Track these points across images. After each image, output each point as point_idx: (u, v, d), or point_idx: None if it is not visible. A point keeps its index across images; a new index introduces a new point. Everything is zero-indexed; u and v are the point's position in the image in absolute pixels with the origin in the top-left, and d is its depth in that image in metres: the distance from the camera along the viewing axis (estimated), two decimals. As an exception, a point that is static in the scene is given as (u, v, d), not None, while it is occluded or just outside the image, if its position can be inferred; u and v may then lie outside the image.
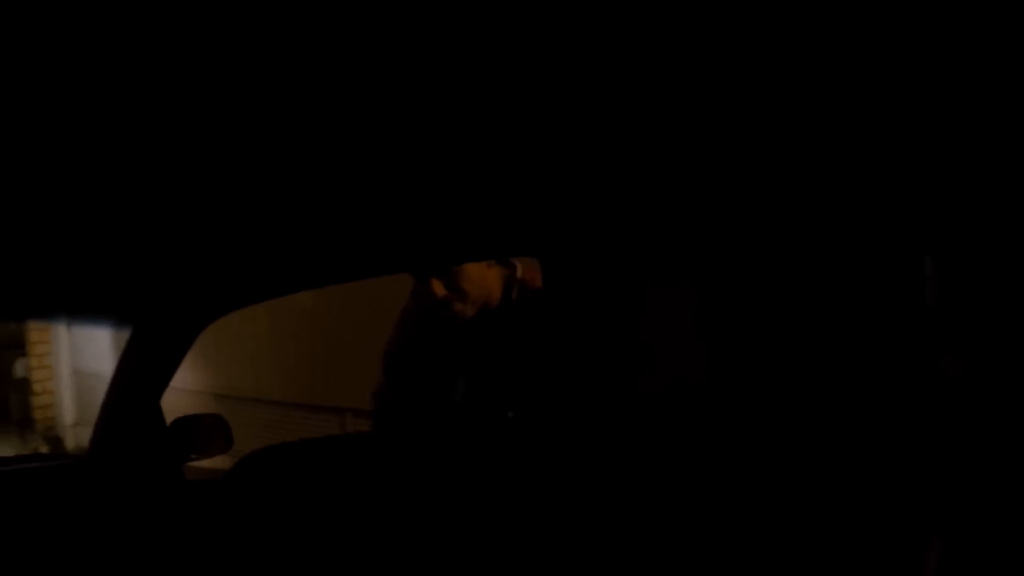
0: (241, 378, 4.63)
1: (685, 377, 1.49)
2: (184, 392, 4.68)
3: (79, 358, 5.96)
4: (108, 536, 1.51)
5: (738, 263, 1.43)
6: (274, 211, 1.24)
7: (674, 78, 0.80)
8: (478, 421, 1.97)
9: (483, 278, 1.89)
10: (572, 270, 1.79)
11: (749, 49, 0.74)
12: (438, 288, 1.86)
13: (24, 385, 5.85)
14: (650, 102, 0.87)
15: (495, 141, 0.97)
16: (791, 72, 0.80)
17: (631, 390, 1.53)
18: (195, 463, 1.78)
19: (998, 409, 1.10)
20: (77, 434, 5.77)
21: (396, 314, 2.12)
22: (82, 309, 1.71)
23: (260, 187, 1.11)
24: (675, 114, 0.92)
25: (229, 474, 1.63)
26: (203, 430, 1.75)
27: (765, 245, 1.34)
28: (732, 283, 1.44)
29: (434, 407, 2.06)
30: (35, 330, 5.86)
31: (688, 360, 1.54)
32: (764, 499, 1.24)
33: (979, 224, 1.17)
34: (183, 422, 1.71)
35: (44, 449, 5.51)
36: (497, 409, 1.94)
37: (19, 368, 5.80)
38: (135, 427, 1.61)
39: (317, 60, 0.71)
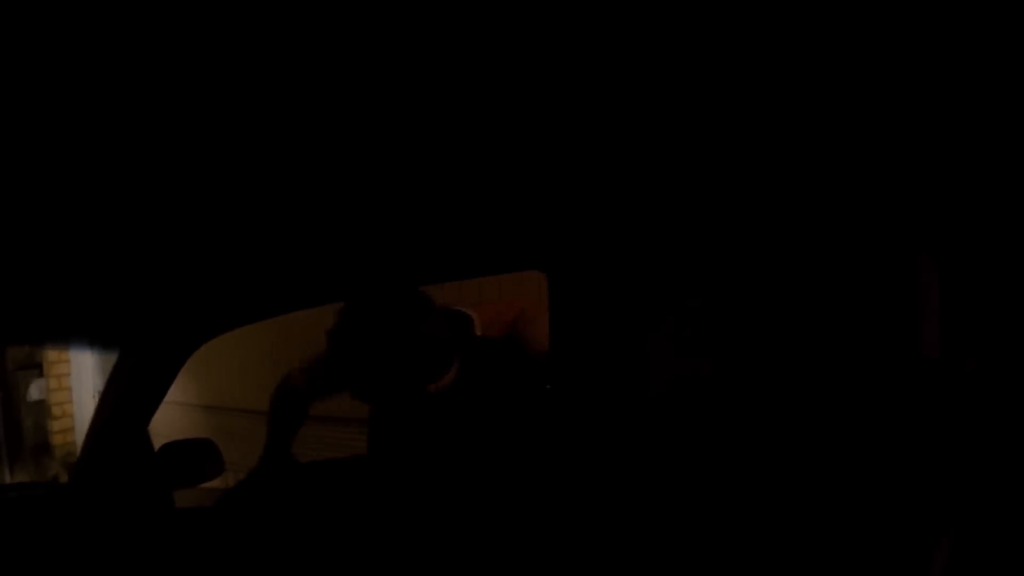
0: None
1: (688, 383, 1.52)
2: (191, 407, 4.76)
3: (102, 379, 6.03)
4: (94, 567, 1.58)
5: (743, 268, 1.46)
6: (264, 232, 1.30)
7: (675, 90, 0.85)
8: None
9: None
10: (579, 283, 1.81)
11: (748, 60, 0.78)
12: None
13: (41, 408, 5.90)
14: (651, 109, 0.91)
15: (499, 156, 1.02)
16: (793, 80, 0.84)
17: (640, 400, 1.56)
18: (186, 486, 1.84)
19: (1006, 408, 1.12)
20: (98, 460, 5.80)
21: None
22: (69, 332, 1.80)
23: (249, 207, 1.17)
24: (676, 119, 0.96)
25: (219, 503, 1.70)
26: (193, 455, 1.81)
27: (772, 250, 1.36)
28: (737, 287, 1.47)
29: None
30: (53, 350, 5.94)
31: (691, 365, 1.56)
32: (771, 499, 1.27)
33: (986, 224, 1.18)
34: (172, 447, 1.78)
35: (63, 476, 5.59)
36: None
37: (35, 390, 5.85)
38: (122, 453, 1.68)
39: (317, 85, 0.76)
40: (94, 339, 1.92)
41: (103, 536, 1.62)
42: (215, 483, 1.93)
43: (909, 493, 1.19)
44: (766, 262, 1.38)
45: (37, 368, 5.89)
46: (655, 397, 1.51)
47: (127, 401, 1.71)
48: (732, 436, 1.34)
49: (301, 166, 1.01)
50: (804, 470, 1.26)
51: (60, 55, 0.68)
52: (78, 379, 6.13)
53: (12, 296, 1.48)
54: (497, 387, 1.77)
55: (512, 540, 1.47)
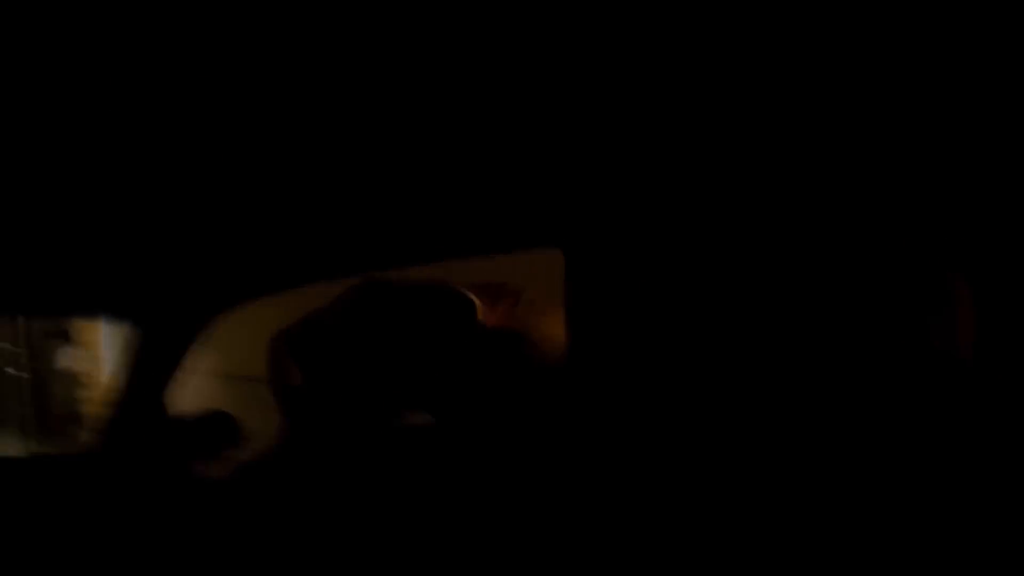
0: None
1: (715, 376, 1.52)
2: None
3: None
4: (111, 537, 1.63)
5: (744, 261, 1.46)
6: (279, 200, 1.32)
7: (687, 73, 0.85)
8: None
9: None
10: (603, 262, 1.79)
11: (762, 42, 0.79)
12: None
13: (69, 377, 5.96)
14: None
15: (507, 111, 1.02)
16: (799, 65, 0.85)
17: (669, 395, 1.56)
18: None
19: (1007, 401, 1.13)
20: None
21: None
22: (85, 305, 1.84)
23: (264, 177, 1.19)
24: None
25: (236, 473, 1.74)
26: (209, 428, 1.85)
27: (775, 245, 1.37)
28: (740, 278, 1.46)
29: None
30: (83, 317, 5.95)
31: (719, 359, 1.56)
32: (770, 491, 1.28)
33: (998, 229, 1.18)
34: (188, 420, 1.83)
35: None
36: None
37: (63, 358, 5.92)
38: (138, 425, 1.73)
39: (313, 41, 0.77)
40: (107, 310, 1.97)
41: (119, 508, 1.66)
42: (232, 455, 1.97)
43: (918, 486, 1.20)
44: (792, 257, 1.38)
45: (66, 337, 5.95)
46: (684, 391, 1.51)
47: (143, 373, 1.75)
48: (759, 430, 1.35)
49: (307, 136, 1.02)
50: (804, 461, 1.27)
51: (71, 38, 0.70)
52: (108, 348, 6.14)
53: (25, 266, 1.52)
54: (505, 381, 1.64)
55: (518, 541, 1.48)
